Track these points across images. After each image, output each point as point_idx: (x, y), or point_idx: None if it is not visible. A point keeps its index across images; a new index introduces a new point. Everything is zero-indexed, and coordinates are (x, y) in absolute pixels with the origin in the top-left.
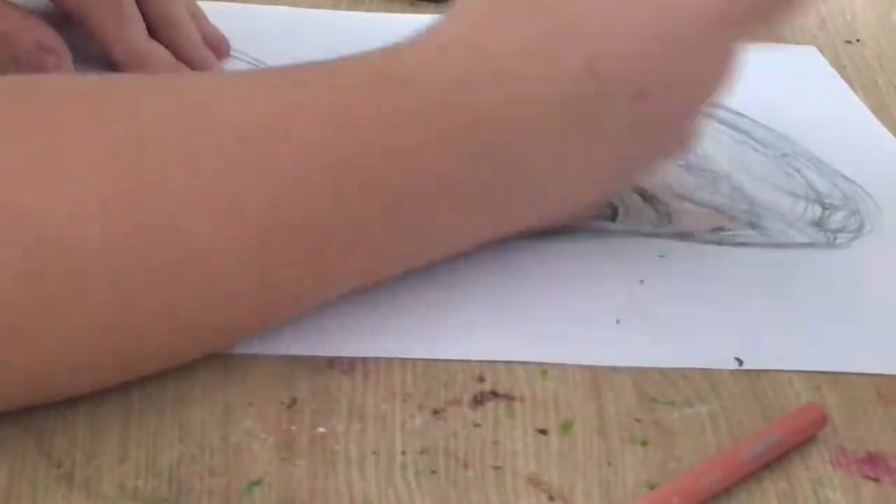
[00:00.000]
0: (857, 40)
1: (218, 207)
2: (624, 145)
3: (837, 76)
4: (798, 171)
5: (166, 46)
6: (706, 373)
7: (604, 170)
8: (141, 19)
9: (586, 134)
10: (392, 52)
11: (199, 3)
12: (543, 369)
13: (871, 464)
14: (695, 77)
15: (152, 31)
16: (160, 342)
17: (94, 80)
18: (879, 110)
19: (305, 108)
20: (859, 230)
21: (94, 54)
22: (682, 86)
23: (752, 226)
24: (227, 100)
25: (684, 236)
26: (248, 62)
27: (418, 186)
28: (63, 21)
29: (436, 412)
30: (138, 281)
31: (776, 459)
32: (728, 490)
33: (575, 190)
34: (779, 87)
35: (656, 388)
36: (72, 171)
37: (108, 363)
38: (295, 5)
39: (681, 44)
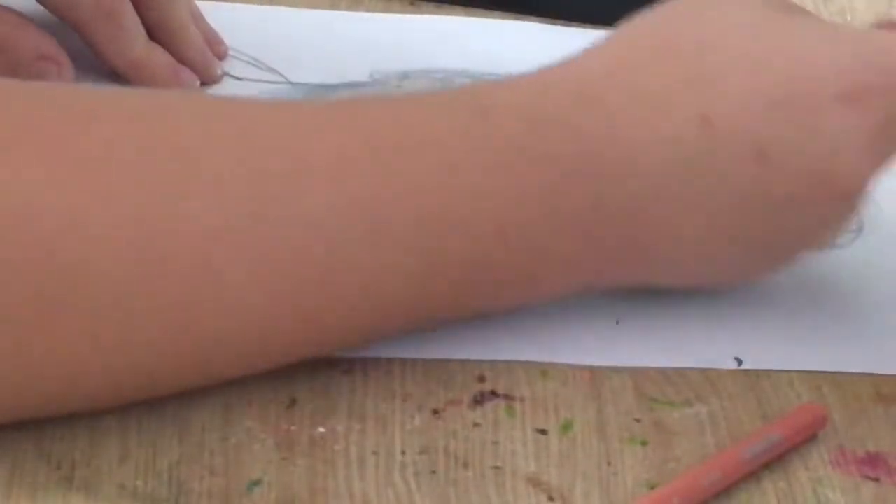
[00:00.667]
0: None
1: (252, 249)
2: (753, 220)
3: None
4: None
5: (168, 49)
6: (706, 373)
7: (730, 245)
8: (139, 25)
9: (707, 195)
10: (488, 86)
11: (199, 5)
12: (543, 369)
13: (871, 464)
14: (826, 151)
15: (153, 35)
16: (177, 375)
17: (145, 97)
18: None
19: (370, 158)
20: (859, 230)
21: (94, 62)
22: (812, 158)
23: None
24: (283, 138)
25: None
26: (248, 62)
27: (495, 233)
28: (61, 29)
29: (436, 412)
30: (156, 309)
31: (776, 459)
32: (728, 490)
33: (692, 262)
34: None
35: (656, 388)
36: (105, 193)
37: (118, 392)
38: (295, 5)
39: (804, 109)
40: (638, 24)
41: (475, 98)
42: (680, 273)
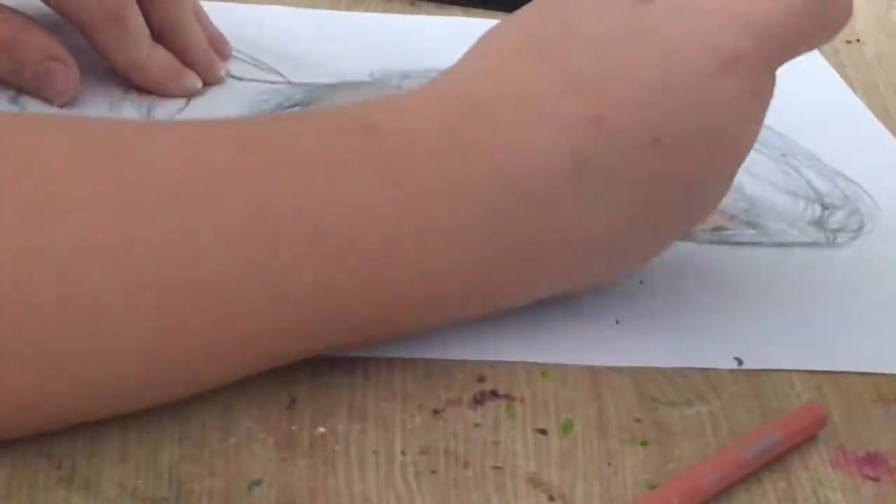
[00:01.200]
0: (857, 40)
1: (129, 272)
2: (651, 203)
3: (837, 76)
4: (798, 170)
5: (172, 50)
6: (706, 373)
7: (632, 231)
8: (144, 26)
9: (605, 191)
10: (375, 103)
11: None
12: (543, 369)
13: (871, 464)
14: (714, 123)
15: (158, 36)
16: (73, 399)
17: (11, 120)
18: (879, 110)
19: (252, 173)
20: (859, 230)
21: (99, 63)
22: (702, 133)
23: (752, 225)
24: (160, 162)
25: (684, 236)
26: (248, 62)
27: (389, 255)
28: (66, 29)
29: (436, 412)
30: (47, 344)
31: (776, 459)
32: (728, 490)
33: (603, 254)
34: (778, 87)
35: (656, 388)
36: (71, 207)
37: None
38: (295, 5)
39: (690, 89)
40: (512, 25)
41: (364, 115)
42: (587, 273)
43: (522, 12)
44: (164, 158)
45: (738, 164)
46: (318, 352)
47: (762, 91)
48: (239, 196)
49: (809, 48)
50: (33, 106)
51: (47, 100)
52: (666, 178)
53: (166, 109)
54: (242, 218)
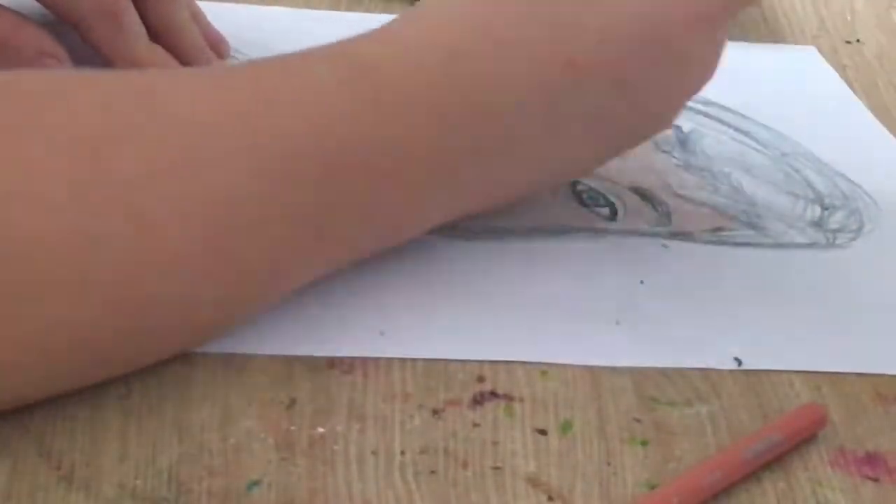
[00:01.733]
0: (857, 40)
1: (180, 195)
2: (604, 127)
3: (837, 76)
4: (798, 171)
5: (169, 50)
6: (706, 373)
7: (589, 151)
8: (140, 25)
9: (567, 119)
10: (364, 42)
11: (198, 2)
12: (543, 369)
13: (871, 464)
14: (677, 74)
15: (154, 36)
16: (126, 336)
17: (64, 76)
18: (879, 110)
19: (269, 102)
20: (859, 230)
21: (94, 60)
22: (665, 76)
23: (752, 226)
24: (188, 94)
25: (684, 236)
26: None
27: (390, 173)
28: (61, 27)
29: (435, 412)
30: (99, 269)
31: (776, 459)
32: (728, 490)
33: (560, 170)
34: (779, 87)
35: (656, 388)
36: (30, 161)
37: (66, 361)
38: (294, 5)
39: (662, 45)
40: None
41: (356, 56)
42: (542, 184)
43: None
44: (189, 95)
45: (688, 99)
46: (333, 267)
47: (722, 42)
48: (257, 127)
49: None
50: None
51: None
52: (631, 111)
53: None
54: (253, 154)
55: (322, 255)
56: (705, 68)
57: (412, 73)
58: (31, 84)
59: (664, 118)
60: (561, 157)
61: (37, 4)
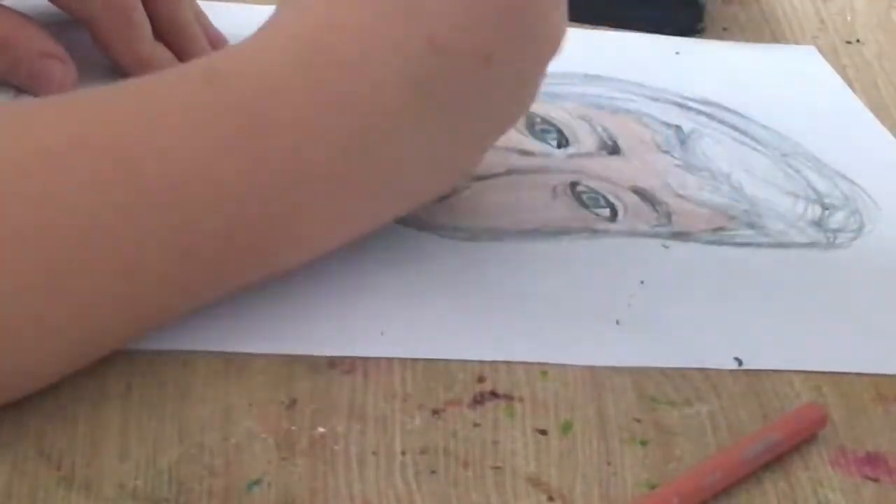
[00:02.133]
0: (857, 40)
1: (14, 229)
2: (478, 113)
3: (837, 76)
4: (798, 171)
5: (172, 49)
6: (706, 373)
7: (464, 141)
8: (147, 23)
9: (444, 108)
10: (216, 54)
11: (199, 3)
12: (543, 369)
13: (871, 464)
14: (535, 38)
15: (158, 35)
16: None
17: None
18: (879, 110)
19: (111, 124)
20: (859, 230)
21: (96, 59)
22: (525, 47)
23: (752, 226)
24: (31, 121)
25: (684, 236)
26: None
27: (248, 191)
28: (64, 26)
29: (436, 412)
30: None
31: (776, 459)
32: (728, 490)
33: (441, 166)
34: (779, 87)
35: (656, 388)
36: None
37: None
38: None
39: (519, 14)
40: None
41: (208, 64)
42: (428, 187)
43: None
44: (23, 125)
45: (547, 64)
46: (187, 307)
47: (564, 10)
48: (96, 152)
49: None
50: None
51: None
52: (496, 89)
53: None
54: (101, 171)
55: (172, 284)
56: (557, 37)
57: (263, 74)
58: None
59: (529, 96)
60: (441, 153)
61: (40, 3)
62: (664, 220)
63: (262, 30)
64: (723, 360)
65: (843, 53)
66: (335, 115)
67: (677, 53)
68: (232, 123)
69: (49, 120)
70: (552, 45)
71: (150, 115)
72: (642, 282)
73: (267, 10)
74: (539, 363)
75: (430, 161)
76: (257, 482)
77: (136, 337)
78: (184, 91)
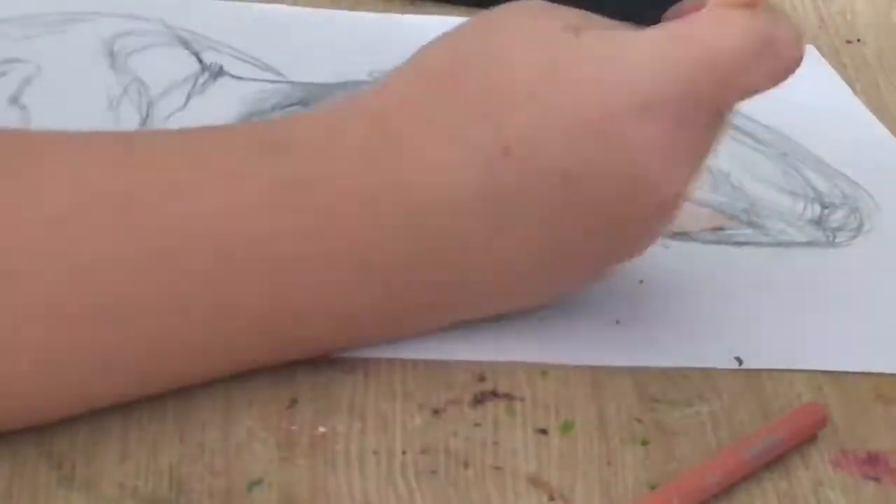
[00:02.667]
0: (858, 40)
1: (43, 299)
2: (564, 236)
3: (837, 76)
4: (798, 170)
5: None
6: (706, 373)
7: (546, 263)
8: None
9: (515, 220)
10: (288, 120)
11: (199, 1)
12: (543, 369)
13: (872, 464)
14: (627, 165)
15: None
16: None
17: None
18: (879, 110)
19: (159, 190)
20: (859, 229)
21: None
22: (613, 173)
23: (752, 225)
24: (68, 176)
25: (684, 236)
26: (248, 61)
27: (302, 268)
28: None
29: (436, 412)
30: None
31: (776, 459)
32: (728, 490)
33: (520, 284)
34: (779, 87)
35: (656, 388)
36: None
37: None
38: (295, 5)
39: (602, 130)
40: (441, 44)
41: (275, 133)
42: (501, 300)
43: (455, 30)
44: (69, 173)
45: (663, 208)
46: (224, 372)
47: (689, 137)
48: (143, 215)
49: (749, 95)
50: (33, 106)
51: None
52: (577, 212)
53: (165, 108)
54: (147, 238)
55: (217, 354)
56: (666, 168)
57: (328, 155)
58: None
59: (636, 228)
60: (512, 268)
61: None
62: None
63: (342, 103)
64: (723, 360)
65: (843, 53)
66: (396, 204)
67: None
68: (296, 197)
69: (106, 167)
70: (657, 187)
71: (212, 174)
72: (642, 282)
73: (266, 10)
74: (539, 363)
75: (505, 275)
76: (258, 482)
77: (171, 387)
78: (255, 158)
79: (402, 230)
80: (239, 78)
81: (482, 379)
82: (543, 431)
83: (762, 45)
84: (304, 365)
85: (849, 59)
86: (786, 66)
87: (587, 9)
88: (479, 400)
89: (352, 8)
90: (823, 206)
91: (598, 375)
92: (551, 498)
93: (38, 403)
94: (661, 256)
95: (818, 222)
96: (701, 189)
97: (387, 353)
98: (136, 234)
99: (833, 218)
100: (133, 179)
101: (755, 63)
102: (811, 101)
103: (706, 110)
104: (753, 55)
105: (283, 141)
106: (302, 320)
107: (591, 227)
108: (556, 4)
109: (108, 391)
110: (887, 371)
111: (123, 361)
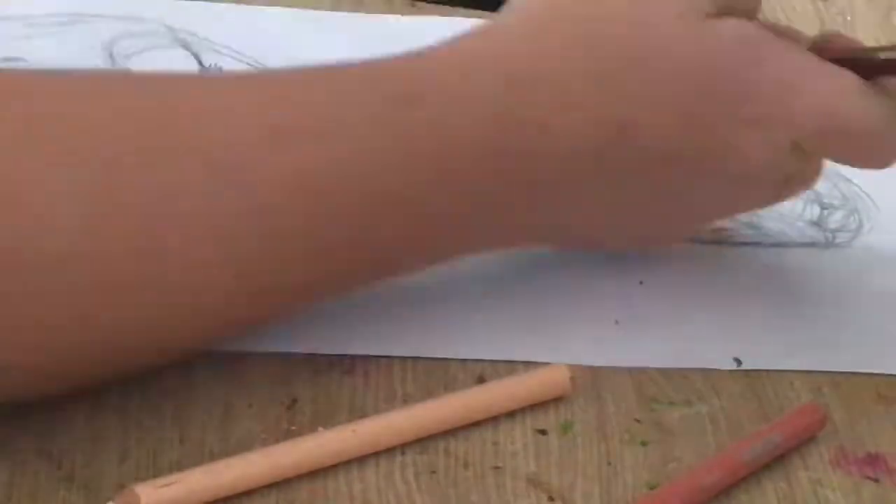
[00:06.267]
0: None
1: (200, 229)
2: (659, 205)
3: None
4: None
5: None
6: (706, 373)
7: (637, 222)
8: None
9: (613, 184)
10: (406, 65)
11: (199, 3)
12: None
13: (871, 464)
14: (734, 160)
15: None
16: (127, 349)
17: (80, 78)
18: None
19: (301, 130)
20: (858, 230)
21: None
22: (717, 162)
23: (752, 225)
24: (218, 116)
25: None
26: (249, 64)
27: (427, 204)
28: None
29: None
30: (108, 285)
31: (776, 459)
32: (728, 490)
33: (598, 231)
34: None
35: (656, 388)
36: (39, 173)
37: (60, 377)
38: (295, 5)
39: (716, 124)
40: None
41: (406, 80)
42: (587, 239)
43: None
44: (222, 110)
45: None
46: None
47: (785, 159)
48: (295, 149)
49: (843, 160)
50: None
51: None
52: (678, 190)
53: None
54: (298, 176)
55: (345, 281)
56: (759, 176)
57: (457, 104)
58: (47, 87)
59: (732, 203)
60: (608, 219)
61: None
62: None
63: (465, 45)
64: (723, 360)
65: None
66: (518, 157)
67: None
68: (427, 144)
69: (252, 107)
70: (753, 193)
71: (348, 125)
72: (642, 282)
73: (267, 12)
74: (539, 363)
75: (588, 222)
76: None
77: (260, 326)
78: (384, 106)
79: (515, 182)
80: None
81: (482, 379)
82: (543, 432)
83: (870, 134)
84: (304, 365)
85: None
86: (877, 163)
87: None
88: None
89: (352, 10)
90: (823, 208)
91: (597, 375)
92: (551, 498)
93: (195, 334)
94: (661, 256)
95: (817, 223)
96: None
97: (386, 352)
98: (286, 168)
99: (832, 219)
100: (280, 117)
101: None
102: None
103: (811, 151)
104: (855, 133)
105: (418, 91)
106: (426, 240)
107: (684, 200)
108: None
109: (264, 311)
110: (887, 372)
111: (269, 286)
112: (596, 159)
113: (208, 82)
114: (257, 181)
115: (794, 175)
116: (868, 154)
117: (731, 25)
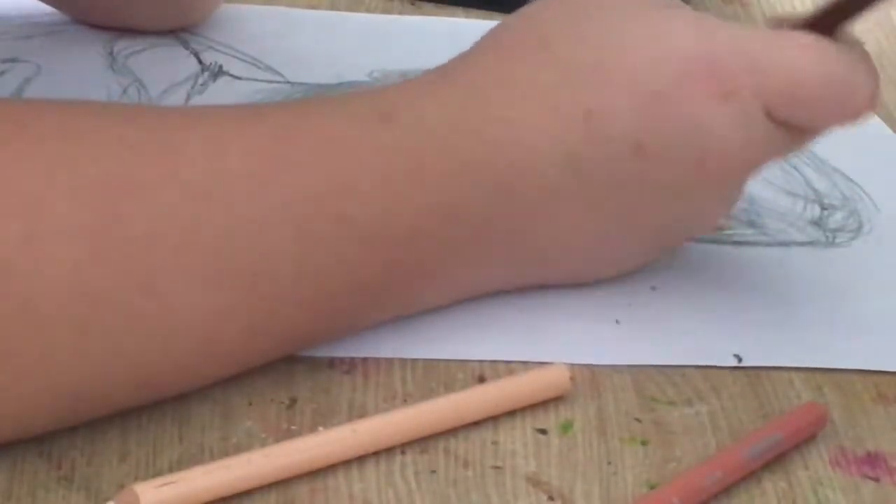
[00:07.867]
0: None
1: (192, 267)
2: (636, 209)
3: None
4: (797, 169)
5: None
6: (706, 372)
7: (616, 236)
8: None
9: (590, 189)
10: (388, 91)
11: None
12: None
13: (871, 464)
14: (700, 147)
15: None
16: (120, 388)
17: (87, 110)
18: (879, 110)
19: (286, 160)
20: (858, 230)
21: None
22: (687, 151)
23: (752, 225)
24: (207, 148)
25: None
26: (248, 62)
27: (406, 234)
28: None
29: None
30: (103, 327)
31: (776, 459)
32: (728, 490)
33: (581, 254)
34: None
35: (656, 387)
36: (45, 203)
37: (64, 408)
38: (295, 5)
39: (680, 108)
40: (519, 19)
41: (380, 104)
42: (572, 266)
43: (529, 7)
44: (206, 142)
45: (732, 187)
46: (340, 333)
47: (759, 131)
48: (278, 179)
49: (817, 119)
50: None
51: None
52: (650, 186)
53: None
54: (280, 208)
55: (336, 315)
56: (734, 151)
57: (427, 124)
58: (54, 117)
59: (706, 204)
60: (583, 237)
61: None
62: None
63: (433, 74)
64: (723, 360)
65: None
66: (486, 170)
67: None
68: (404, 164)
69: (243, 139)
70: (728, 167)
71: (325, 148)
72: (641, 282)
73: (266, 10)
74: (539, 363)
75: (571, 239)
76: None
77: (274, 356)
78: (361, 127)
79: (492, 192)
80: (238, 78)
81: (482, 379)
82: (543, 431)
83: (838, 85)
84: (304, 365)
85: None
86: (851, 114)
87: None
88: None
89: (351, 8)
90: (823, 207)
91: (597, 375)
92: (551, 498)
93: (194, 370)
94: (662, 256)
95: (818, 223)
96: None
97: (386, 353)
98: (271, 200)
99: (832, 219)
100: (262, 147)
101: (829, 89)
102: None
103: (775, 113)
104: (828, 81)
105: (391, 111)
106: (409, 278)
107: (658, 200)
108: None
109: (255, 355)
110: (886, 369)
111: (274, 322)
112: (566, 158)
113: (195, 114)
114: (242, 215)
115: (769, 148)
116: (839, 106)
117: (686, 11)
